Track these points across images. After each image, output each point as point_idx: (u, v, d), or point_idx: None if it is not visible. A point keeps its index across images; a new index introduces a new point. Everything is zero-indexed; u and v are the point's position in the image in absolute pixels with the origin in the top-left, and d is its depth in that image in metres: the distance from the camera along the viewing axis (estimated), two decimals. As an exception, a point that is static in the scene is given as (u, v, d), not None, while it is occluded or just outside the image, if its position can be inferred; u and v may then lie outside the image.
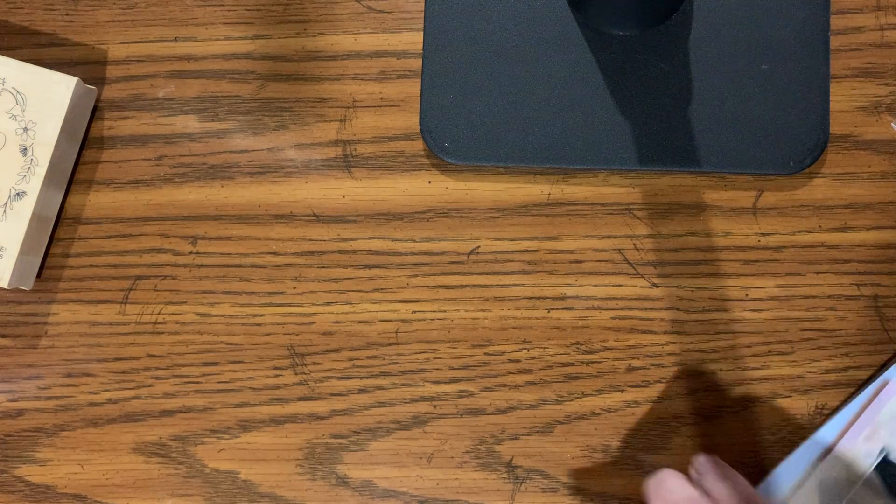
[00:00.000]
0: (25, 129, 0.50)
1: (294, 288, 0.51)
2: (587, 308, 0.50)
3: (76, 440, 0.52)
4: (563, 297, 0.51)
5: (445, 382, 0.51)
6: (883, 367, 0.49)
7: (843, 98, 0.50)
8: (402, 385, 0.51)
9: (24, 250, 0.50)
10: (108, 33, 0.53)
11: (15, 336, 0.52)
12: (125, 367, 0.52)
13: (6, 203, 0.50)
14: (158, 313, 0.52)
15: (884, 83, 0.50)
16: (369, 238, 0.51)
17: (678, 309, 0.50)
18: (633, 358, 0.50)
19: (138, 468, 0.51)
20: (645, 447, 0.50)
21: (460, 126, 0.50)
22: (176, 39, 0.53)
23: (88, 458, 0.52)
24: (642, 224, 0.50)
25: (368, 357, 0.51)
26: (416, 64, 0.52)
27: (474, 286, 0.51)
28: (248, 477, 0.51)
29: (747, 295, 0.50)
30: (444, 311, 0.51)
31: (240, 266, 0.52)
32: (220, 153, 0.52)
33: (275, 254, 0.52)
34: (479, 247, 0.51)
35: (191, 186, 0.52)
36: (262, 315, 0.51)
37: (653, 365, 0.50)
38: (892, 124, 0.49)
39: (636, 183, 0.51)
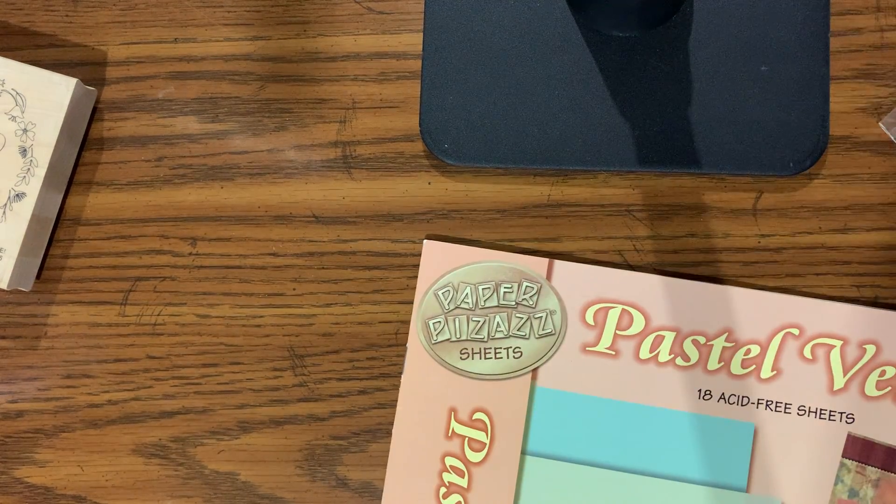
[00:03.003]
0: (25, 131, 0.50)
1: (294, 289, 0.51)
2: (587, 309, 0.50)
3: (76, 441, 0.52)
4: (562, 299, 0.51)
5: (445, 384, 0.51)
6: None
7: (843, 99, 0.50)
8: (402, 386, 0.51)
9: (24, 251, 0.50)
10: (108, 34, 0.53)
11: (14, 337, 0.52)
12: (125, 368, 0.52)
13: (6, 204, 0.50)
14: (158, 314, 0.52)
15: (884, 84, 0.50)
16: (369, 239, 0.51)
17: (678, 310, 0.50)
18: (633, 359, 0.50)
19: (138, 469, 0.51)
20: (645, 449, 0.50)
21: (460, 127, 0.50)
22: (176, 41, 0.53)
23: (88, 459, 0.52)
24: (642, 225, 0.50)
25: (368, 358, 0.51)
26: (416, 65, 0.52)
27: (474, 287, 0.51)
28: (248, 478, 0.51)
29: (747, 296, 0.50)
30: (444, 313, 0.51)
31: (239, 267, 0.52)
32: (220, 154, 0.52)
33: (274, 255, 0.52)
34: (478, 248, 0.51)
35: (190, 188, 0.52)
36: (261, 316, 0.51)
37: (653, 366, 0.50)
38: (880, 123, 0.49)
39: (636, 184, 0.51)
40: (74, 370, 0.52)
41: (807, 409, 0.48)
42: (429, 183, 0.51)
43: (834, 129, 0.50)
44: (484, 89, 0.50)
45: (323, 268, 0.51)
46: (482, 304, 0.49)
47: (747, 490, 0.47)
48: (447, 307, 0.49)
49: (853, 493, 0.47)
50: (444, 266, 0.49)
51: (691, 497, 0.47)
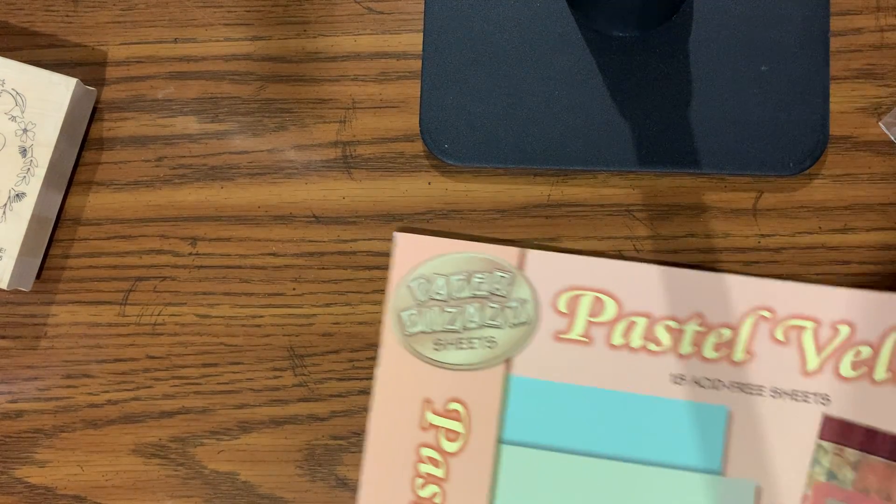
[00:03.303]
0: (25, 131, 0.50)
1: (294, 289, 0.51)
2: (587, 309, 0.50)
3: (76, 441, 0.52)
4: (562, 299, 0.51)
5: (445, 384, 0.51)
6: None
7: (843, 99, 0.50)
8: (402, 386, 0.51)
9: (24, 251, 0.50)
10: (108, 34, 0.53)
11: (14, 337, 0.52)
12: (125, 368, 0.52)
13: (6, 204, 0.50)
14: (158, 314, 0.52)
15: (884, 84, 0.50)
16: (369, 239, 0.51)
17: (678, 310, 0.50)
18: (633, 359, 0.50)
19: (138, 469, 0.51)
20: (645, 449, 0.50)
21: (460, 127, 0.50)
22: (176, 41, 0.53)
23: (88, 459, 0.52)
24: (642, 225, 0.50)
25: (368, 358, 0.51)
26: (416, 65, 0.52)
27: (474, 287, 0.51)
28: (248, 478, 0.51)
29: (747, 296, 0.50)
30: (444, 313, 0.51)
31: (239, 267, 0.52)
32: (220, 154, 0.52)
33: (274, 255, 0.52)
34: (478, 248, 0.51)
35: (190, 188, 0.52)
36: (261, 316, 0.51)
37: (653, 366, 0.50)
38: (880, 123, 0.49)
39: (636, 184, 0.51)
40: (74, 370, 0.52)
41: (780, 392, 0.47)
42: (429, 183, 0.51)
43: (834, 129, 0.50)
44: (484, 89, 0.50)
45: (323, 268, 0.51)
46: (455, 294, 0.49)
47: (723, 473, 0.47)
48: (420, 299, 0.49)
49: (831, 476, 0.47)
50: (416, 258, 0.49)
51: (667, 481, 0.47)
